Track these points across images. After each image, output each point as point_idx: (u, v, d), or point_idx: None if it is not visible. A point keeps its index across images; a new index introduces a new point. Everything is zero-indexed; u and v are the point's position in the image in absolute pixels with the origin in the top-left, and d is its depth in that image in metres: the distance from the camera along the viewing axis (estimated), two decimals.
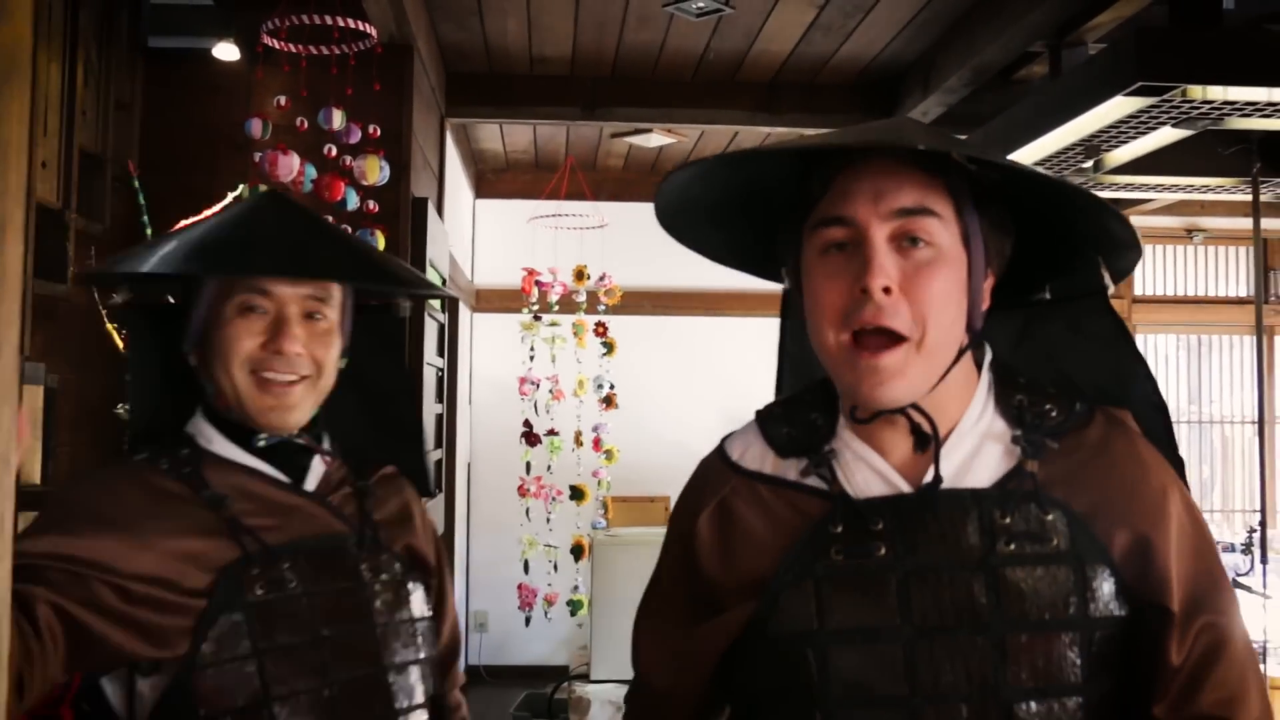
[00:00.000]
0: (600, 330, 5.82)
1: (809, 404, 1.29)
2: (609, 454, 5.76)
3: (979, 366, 1.24)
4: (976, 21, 4.07)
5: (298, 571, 1.43)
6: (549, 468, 5.70)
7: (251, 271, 1.46)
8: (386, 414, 1.72)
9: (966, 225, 1.16)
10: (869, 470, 1.20)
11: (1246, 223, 7.02)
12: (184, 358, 1.53)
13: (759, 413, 1.33)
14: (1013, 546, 1.13)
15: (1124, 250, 1.21)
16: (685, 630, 1.26)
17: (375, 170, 3.15)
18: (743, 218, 1.33)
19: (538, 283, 5.68)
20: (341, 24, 3.09)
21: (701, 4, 4.04)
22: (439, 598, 1.65)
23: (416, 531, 1.62)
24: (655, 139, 5.67)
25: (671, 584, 1.31)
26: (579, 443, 5.72)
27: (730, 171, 1.25)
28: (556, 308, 5.72)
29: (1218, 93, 3.31)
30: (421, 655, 1.52)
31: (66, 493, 1.46)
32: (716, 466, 1.31)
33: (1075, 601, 1.12)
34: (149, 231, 3.28)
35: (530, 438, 5.58)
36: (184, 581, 1.37)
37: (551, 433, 5.68)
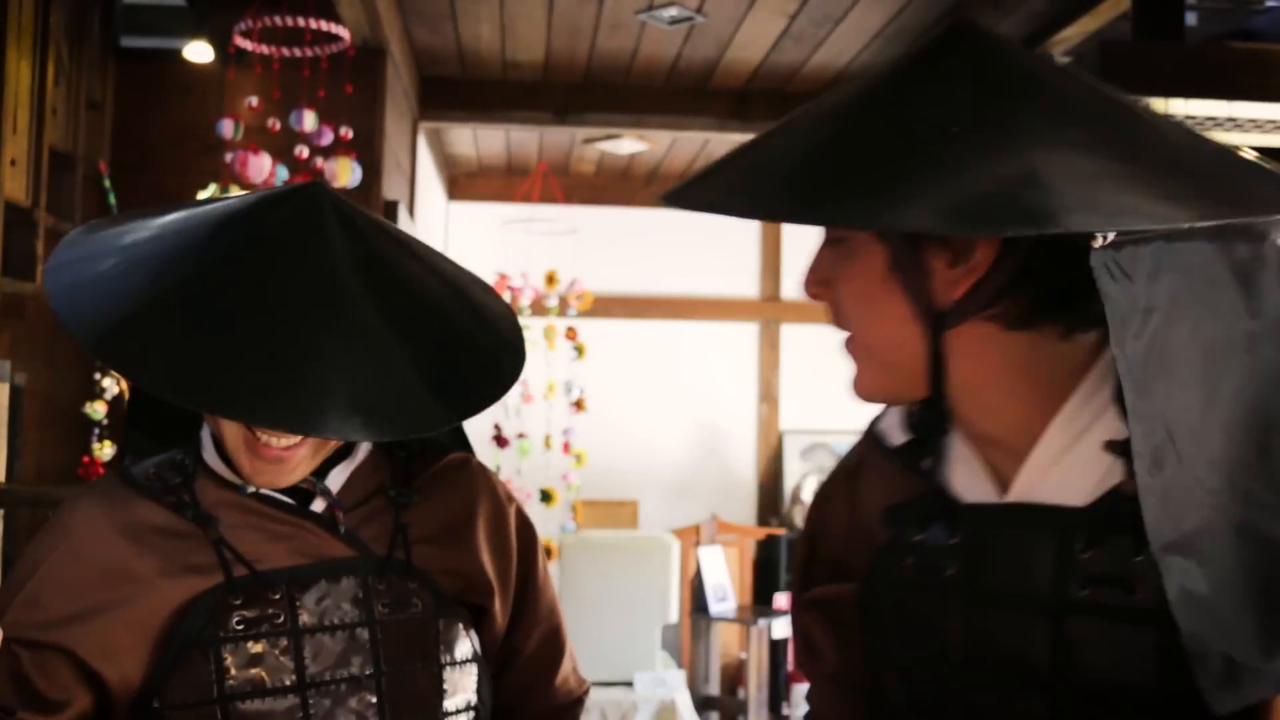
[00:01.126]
0: (570, 334, 5.84)
1: None
2: (578, 457, 5.78)
3: (1099, 346, 0.98)
4: None
5: (290, 604, 1.21)
6: (519, 470, 5.71)
7: (233, 417, 1.17)
8: None
9: None
10: (967, 472, 1.03)
11: None
12: None
13: None
14: (1088, 592, 0.92)
15: None
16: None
17: (347, 172, 3.17)
18: None
19: (509, 287, 5.69)
20: (314, 26, 3.10)
21: (674, 12, 4.07)
22: (518, 613, 1.40)
23: (475, 544, 1.35)
24: (627, 145, 5.70)
25: (807, 544, 1.19)
26: (548, 446, 5.74)
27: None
28: (528, 312, 5.74)
29: (1179, 106, 3.37)
30: (451, 704, 1.28)
31: (33, 553, 1.24)
32: (865, 432, 1.18)
33: (1156, 673, 0.89)
34: None
35: (500, 440, 5.59)
36: (146, 639, 1.19)
37: (521, 435, 5.69)
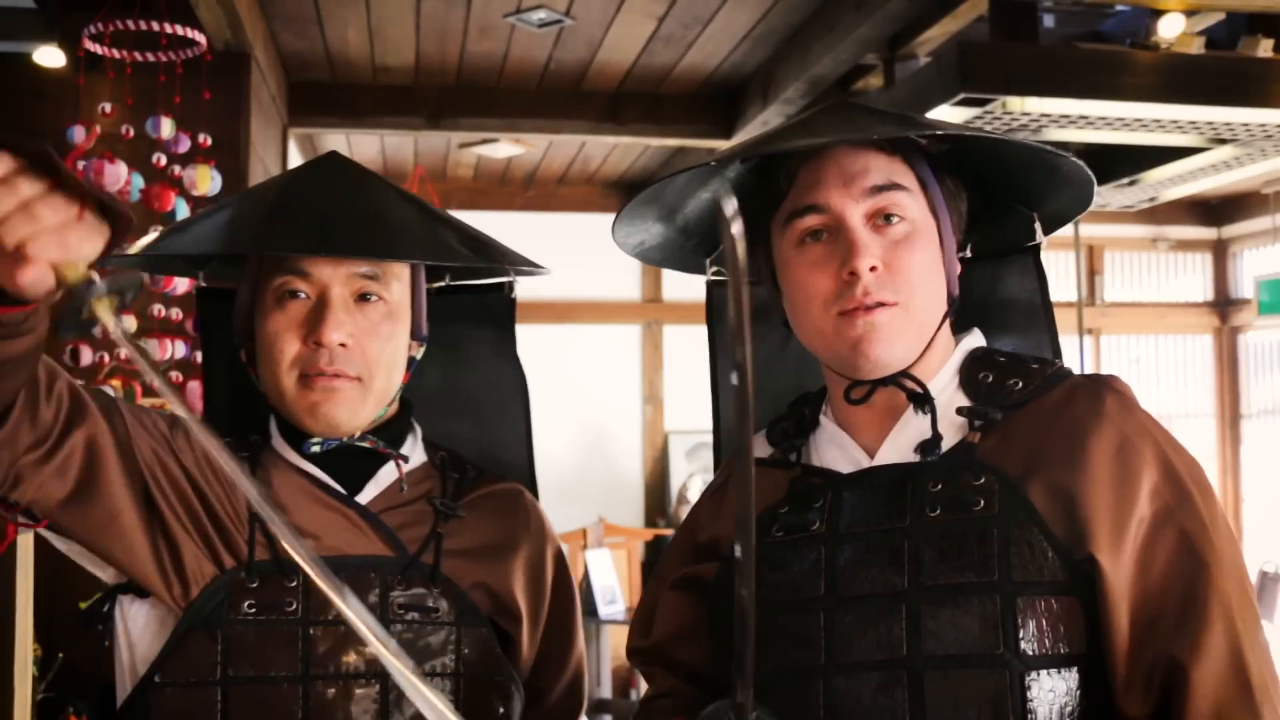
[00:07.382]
0: None
1: (803, 402, 1.31)
2: None
3: (957, 343, 1.24)
4: (810, 35, 4.18)
5: (304, 594, 1.21)
6: None
7: (263, 249, 1.25)
8: (489, 416, 1.51)
9: (931, 196, 1.18)
10: (837, 450, 1.21)
11: (1204, 232, 7.51)
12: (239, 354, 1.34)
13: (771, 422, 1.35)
14: (938, 512, 1.11)
15: (1075, 190, 1.23)
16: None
17: (206, 180, 3.09)
18: (674, 221, 1.36)
19: None
20: (169, 30, 3.02)
21: (542, 15, 4.06)
22: (548, 653, 1.38)
23: (511, 568, 1.34)
24: (504, 149, 5.67)
25: (677, 554, 1.33)
26: None
27: (686, 183, 1.28)
28: None
29: (1035, 104, 3.48)
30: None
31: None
32: (730, 463, 1.38)
33: (996, 565, 1.07)
34: None
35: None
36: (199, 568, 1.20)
37: None
